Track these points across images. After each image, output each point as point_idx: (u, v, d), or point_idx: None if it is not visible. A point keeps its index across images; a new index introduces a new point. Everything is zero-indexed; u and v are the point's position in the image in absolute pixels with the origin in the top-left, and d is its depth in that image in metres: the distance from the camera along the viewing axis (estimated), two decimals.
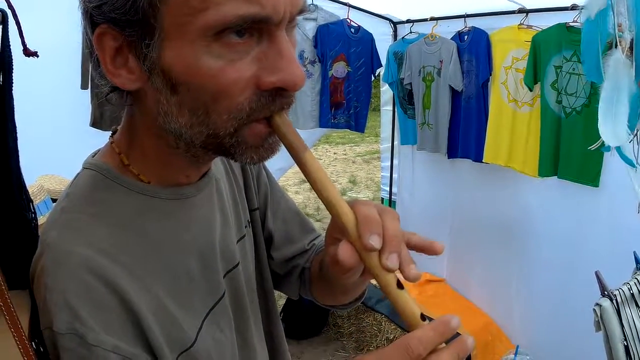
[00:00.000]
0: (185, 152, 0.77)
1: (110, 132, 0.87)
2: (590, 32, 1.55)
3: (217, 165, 0.99)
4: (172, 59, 0.67)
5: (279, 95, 0.71)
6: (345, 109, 4.27)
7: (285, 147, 0.75)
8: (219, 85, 0.67)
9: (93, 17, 0.69)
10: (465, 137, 3.79)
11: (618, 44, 1.47)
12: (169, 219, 0.82)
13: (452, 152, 3.94)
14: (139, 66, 0.69)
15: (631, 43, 1.46)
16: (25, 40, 0.69)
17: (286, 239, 1.15)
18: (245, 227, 1.04)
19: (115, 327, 0.71)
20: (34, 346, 0.69)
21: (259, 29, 0.67)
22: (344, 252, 0.71)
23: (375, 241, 0.69)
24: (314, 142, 4.98)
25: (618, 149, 1.57)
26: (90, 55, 0.73)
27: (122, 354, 0.70)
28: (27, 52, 0.68)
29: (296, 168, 0.81)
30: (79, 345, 0.68)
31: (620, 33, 1.45)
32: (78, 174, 0.83)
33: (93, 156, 0.85)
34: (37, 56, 0.68)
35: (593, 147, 1.70)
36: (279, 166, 4.33)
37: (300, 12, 0.72)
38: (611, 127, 1.52)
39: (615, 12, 1.43)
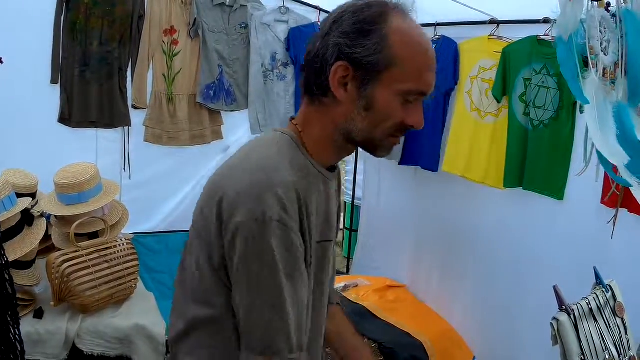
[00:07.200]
0: (339, 145, 1.25)
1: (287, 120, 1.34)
2: (566, 53, 1.54)
3: (334, 180, 1.39)
4: (378, 96, 1.15)
5: (407, 129, 1.21)
6: None
7: None
8: (391, 115, 1.17)
9: (340, 52, 1.14)
10: (417, 144, 3.81)
11: (591, 66, 1.47)
12: (318, 184, 1.25)
13: (404, 159, 3.97)
14: (355, 91, 1.16)
15: (615, 66, 1.46)
16: None
17: None
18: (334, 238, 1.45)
19: (298, 225, 1.14)
20: None
21: (416, 96, 1.17)
22: None
23: None
24: None
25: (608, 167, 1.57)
26: (316, 69, 1.19)
27: (299, 240, 1.14)
28: None
29: None
30: (283, 230, 1.09)
31: (593, 56, 1.47)
32: (271, 133, 1.28)
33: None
34: (2, 62, 0.65)
35: (580, 173, 1.77)
36: None
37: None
38: (607, 146, 1.49)
39: (588, 35, 1.44)
